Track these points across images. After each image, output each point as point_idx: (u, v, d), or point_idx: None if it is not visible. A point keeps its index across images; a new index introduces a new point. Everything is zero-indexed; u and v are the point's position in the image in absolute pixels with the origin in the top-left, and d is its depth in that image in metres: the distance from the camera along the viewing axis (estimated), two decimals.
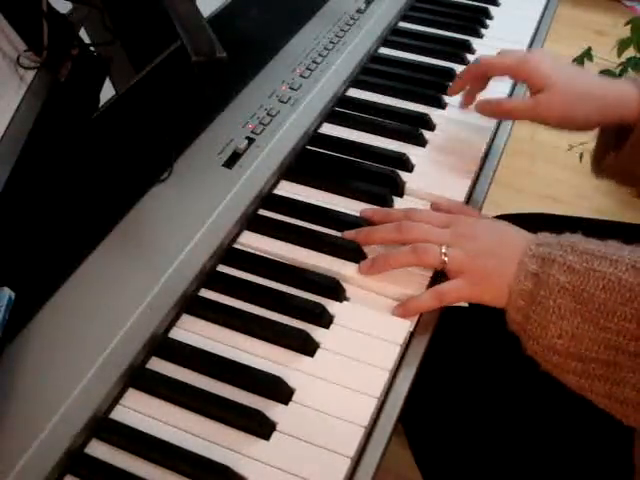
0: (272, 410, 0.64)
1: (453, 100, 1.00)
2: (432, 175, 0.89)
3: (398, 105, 0.99)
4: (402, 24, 1.16)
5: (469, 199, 0.87)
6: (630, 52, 2.16)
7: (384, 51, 1.10)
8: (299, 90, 0.94)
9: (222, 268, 0.76)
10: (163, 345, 0.69)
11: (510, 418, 0.85)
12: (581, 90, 0.85)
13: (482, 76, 0.94)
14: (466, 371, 0.90)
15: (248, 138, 0.86)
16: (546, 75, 0.85)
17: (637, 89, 0.84)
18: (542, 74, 0.86)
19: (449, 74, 1.05)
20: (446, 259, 0.73)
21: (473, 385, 0.89)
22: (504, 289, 0.71)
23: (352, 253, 0.78)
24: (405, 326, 0.72)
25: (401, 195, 0.86)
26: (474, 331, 0.91)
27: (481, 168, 0.92)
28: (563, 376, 0.68)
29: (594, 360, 0.66)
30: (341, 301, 0.74)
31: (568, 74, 0.87)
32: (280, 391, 0.66)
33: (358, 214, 0.82)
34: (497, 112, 0.92)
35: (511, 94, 1.03)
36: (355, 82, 1.02)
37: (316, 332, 0.71)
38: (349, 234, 0.79)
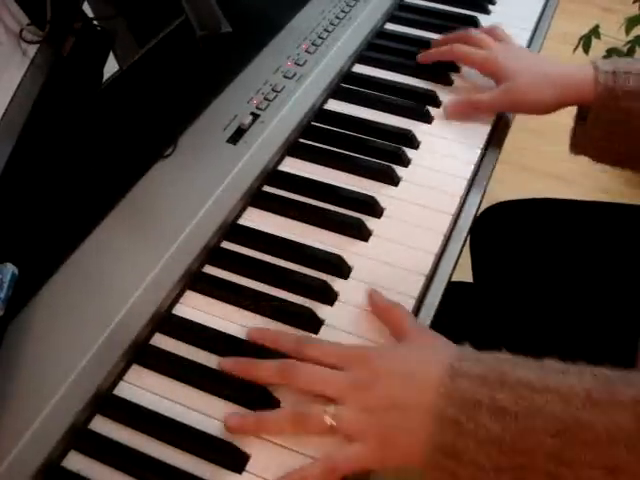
0: (276, 388, 0.64)
1: (460, 77, 0.99)
2: (438, 151, 0.88)
3: (404, 81, 0.98)
4: None
5: (475, 176, 0.87)
6: (638, 30, 2.14)
7: (390, 27, 1.09)
8: (304, 66, 0.93)
9: (226, 244, 0.76)
10: (167, 321, 0.69)
11: None
12: (542, 75, 0.91)
13: (449, 60, 1.00)
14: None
15: (253, 114, 0.85)
16: (510, 67, 0.92)
17: (592, 70, 0.88)
18: (506, 67, 0.92)
19: None
20: (334, 423, 0.60)
21: None
22: (415, 446, 0.59)
23: (357, 230, 0.77)
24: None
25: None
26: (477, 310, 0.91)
27: (487, 145, 0.91)
28: None
29: None
30: (345, 278, 0.74)
31: (531, 62, 0.94)
32: None
33: (363, 191, 0.81)
34: (468, 109, 0.94)
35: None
36: (361, 58, 1.01)
37: (320, 309, 0.70)
38: (226, 363, 0.65)
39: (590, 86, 0.88)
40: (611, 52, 2.20)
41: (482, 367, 0.59)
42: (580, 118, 0.93)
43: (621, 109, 0.86)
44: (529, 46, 1.08)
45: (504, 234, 1.06)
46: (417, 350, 0.66)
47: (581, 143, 0.93)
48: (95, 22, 0.79)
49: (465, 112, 0.93)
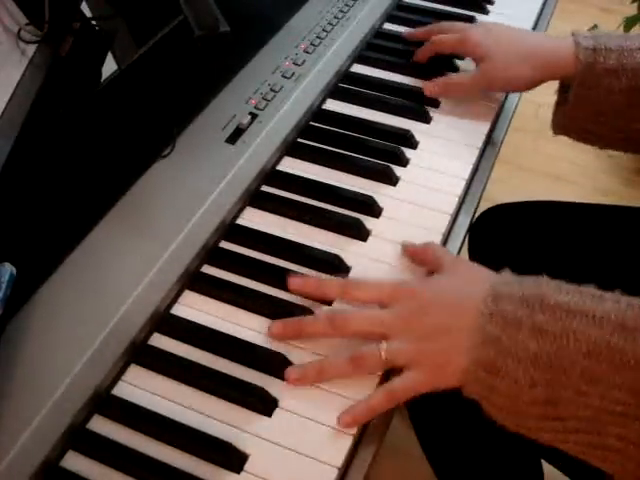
0: (274, 387, 0.64)
1: None
2: (436, 151, 0.88)
3: (403, 81, 0.98)
4: None
5: (473, 176, 0.87)
6: (637, 30, 2.14)
7: (389, 27, 1.09)
8: (303, 66, 0.93)
9: (225, 244, 0.76)
10: (165, 321, 0.69)
11: None
12: (519, 51, 0.90)
13: (434, 54, 0.99)
14: None
15: (251, 114, 0.85)
16: (485, 45, 0.91)
17: (573, 45, 0.86)
18: (482, 46, 0.91)
19: None
20: (389, 357, 0.64)
21: None
22: (462, 365, 0.62)
23: (356, 230, 0.77)
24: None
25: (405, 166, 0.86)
26: None
27: (485, 145, 0.92)
28: (537, 435, 0.61)
29: (573, 417, 0.59)
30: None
31: (507, 39, 0.92)
32: (282, 368, 0.65)
33: (362, 191, 0.81)
34: (446, 89, 0.94)
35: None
36: (359, 58, 1.01)
37: (320, 309, 0.70)
38: (276, 327, 0.68)
39: (570, 62, 0.86)
40: None
41: (523, 290, 0.63)
42: (562, 97, 0.91)
43: (602, 87, 0.84)
44: None
45: (503, 237, 1.06)
46: (458, 278, 0.69)
47: (563, 123, 0.91)
48: (93, 22, 0.79)
49: (445, 93, 0.95)
